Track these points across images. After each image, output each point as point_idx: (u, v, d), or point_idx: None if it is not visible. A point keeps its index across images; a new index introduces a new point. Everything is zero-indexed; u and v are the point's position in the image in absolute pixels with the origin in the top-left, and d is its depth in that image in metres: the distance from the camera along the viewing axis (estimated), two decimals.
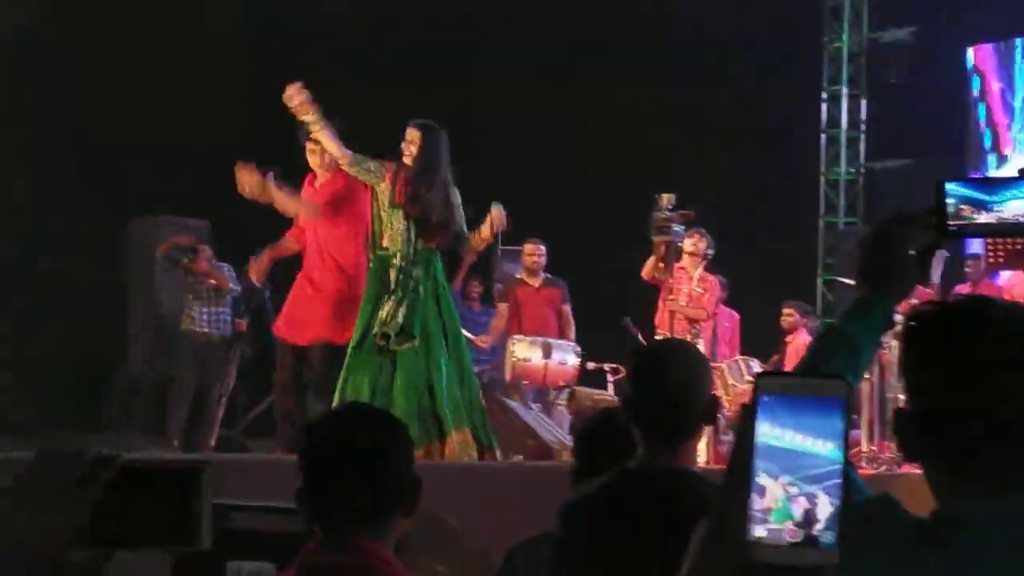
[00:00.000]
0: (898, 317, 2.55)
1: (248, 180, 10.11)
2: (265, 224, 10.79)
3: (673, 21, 17.34)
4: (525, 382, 12.97)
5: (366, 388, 9.74)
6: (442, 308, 10.06)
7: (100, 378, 14.48)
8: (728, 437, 14.11)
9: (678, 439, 3.82)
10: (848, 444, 1.79)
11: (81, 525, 1.62)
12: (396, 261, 9.94)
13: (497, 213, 10.12)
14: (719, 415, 3.88)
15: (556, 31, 17.47)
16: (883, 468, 11.34)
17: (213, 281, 13.34)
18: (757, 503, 1.79)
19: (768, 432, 1.80)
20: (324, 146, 9.96)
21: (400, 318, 9.85)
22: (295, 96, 9.71)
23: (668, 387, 3.81)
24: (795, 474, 1.78)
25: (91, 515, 1.62)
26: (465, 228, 10.23)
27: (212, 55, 15.88)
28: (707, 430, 12.51)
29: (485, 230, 10.20)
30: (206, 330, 13.37)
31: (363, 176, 10.00)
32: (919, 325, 2.25)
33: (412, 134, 10.01)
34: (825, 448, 1.78)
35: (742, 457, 1.81)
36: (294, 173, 10.53)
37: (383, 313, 9.89)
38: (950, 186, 2.50)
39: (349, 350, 9.90)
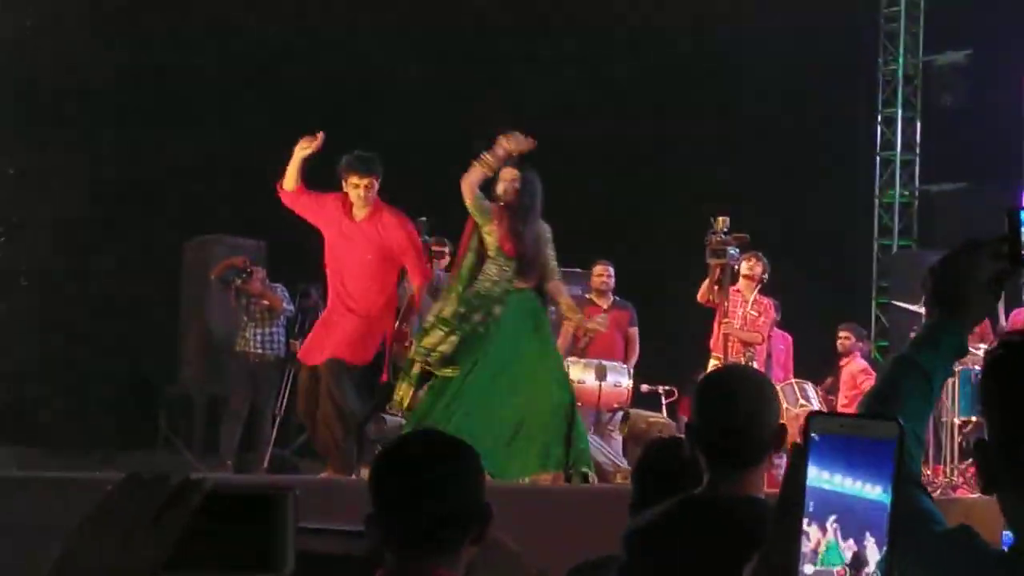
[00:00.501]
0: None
1: (307, 147, 10.10)
2: (320, 245, 10.79)
3: (729, 44, 17.29)
4: (579, 404, 12.92)
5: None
6: (517, 344, 10.07)
7: (152, 398, 14.52)
8: (780, 461, 14.11)
9: (744, 466, 3.78)
10: (900, 487, 1.76)
11: (166, 552, 1.61)
12: (479, 296, 9.99)
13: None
14: (782, 440, 3.83)
15: (612, 52, 17.46)
16: (937, 492, 11.26)
17: (266, 302, 13.37)
18: (806, 543, 1.78)
19: (818, 474, 1.79)
20: (469, 179, 9.95)
21: (443, 345, 9.89)
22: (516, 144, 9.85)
23: (735, 414, 3.77)
24: (844, 516, 1.77)
25: (176, 541, 1.61)
26: (554, 264, 10.29)
27: (268, 74, 15.93)
28: None
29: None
30: (259, 351, 13.40)
31: (478, 214, 10.05)
32: (1005, 355, 2.22)
33: (512, 174, 10.05)
34: (874, 492, 1.76)
35: (793, 496, 1.80)
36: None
37: (431, 340, 9.94)
38: (1023, 214, 2.48)
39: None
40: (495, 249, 10.05)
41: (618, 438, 12.78)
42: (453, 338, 9.97)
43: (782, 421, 3.93)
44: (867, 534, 1.76)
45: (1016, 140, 18.71)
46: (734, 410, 3.78)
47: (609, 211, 16.95)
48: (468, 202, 10.04)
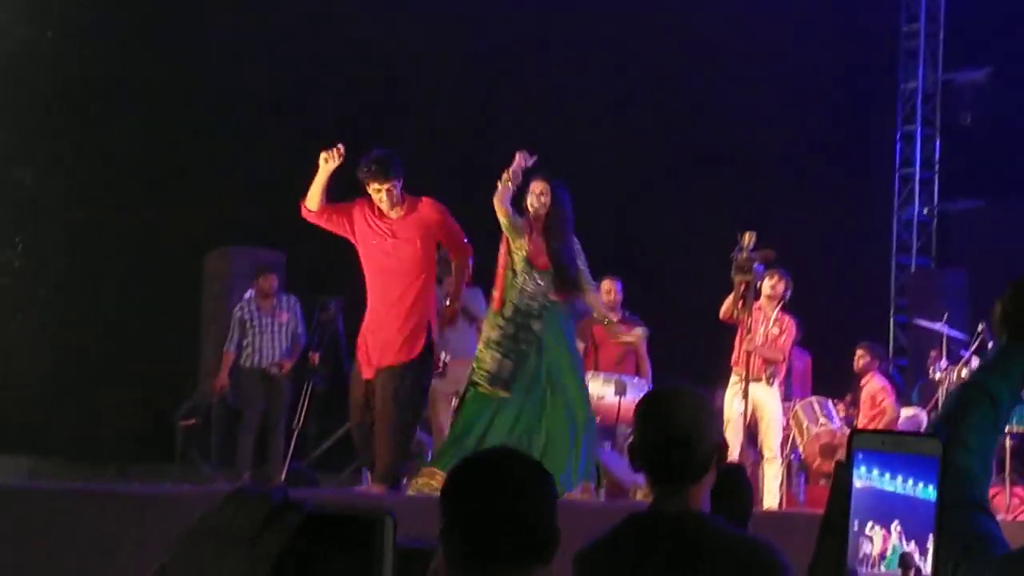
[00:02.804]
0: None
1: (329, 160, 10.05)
2: (338, 254, 10.75)
3: (749, 60, 17.29)
4: (598, 419, 12.89)
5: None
6: (558, 358, 10.03)
7: (171, 410, 14.50)
8: (800, 480, 14.06)
9: (684, 482, 3.82)
10: (943, 498, 1.78)
11: (263, 572, 1.58)
12: (519, 313, 9.95)
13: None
14: (723, 456, 3.87)
15: (633, 69, 17.46)
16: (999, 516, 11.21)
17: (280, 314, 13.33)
18: (870, 547, 1.80)
19: (879, 476, 1.81)
20: (499, 197, 9.87)
21: (497, 368, 9.86)
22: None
23: (671, 431, 3.82)
24: (907, 519, 1.79)
25: (274, 562, 1.59)
26: (587, 275, 10.26)
27: (285, 85, 15.93)
28: (779, 472, 12.52)
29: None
30: (273, 363, 13.36)
31: (512, 231, 10.01)
32: None
33: (541, 187, 9.99)
34: (924, 494, 1.79)
35: (839, 510, 1.82)
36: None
37: (487, 362, 9.90)
38: None
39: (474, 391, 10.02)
40: (525, 264, 10.00)
41: None
42: (508, 361, 9.92)
43: (720, 436, 3.99)
44: (921, 538, 1.78)
45: None
46: (670, 427, 3.83)
47: (629, 226, 16.93)
48: (502, 220, 9.97)
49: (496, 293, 10.26)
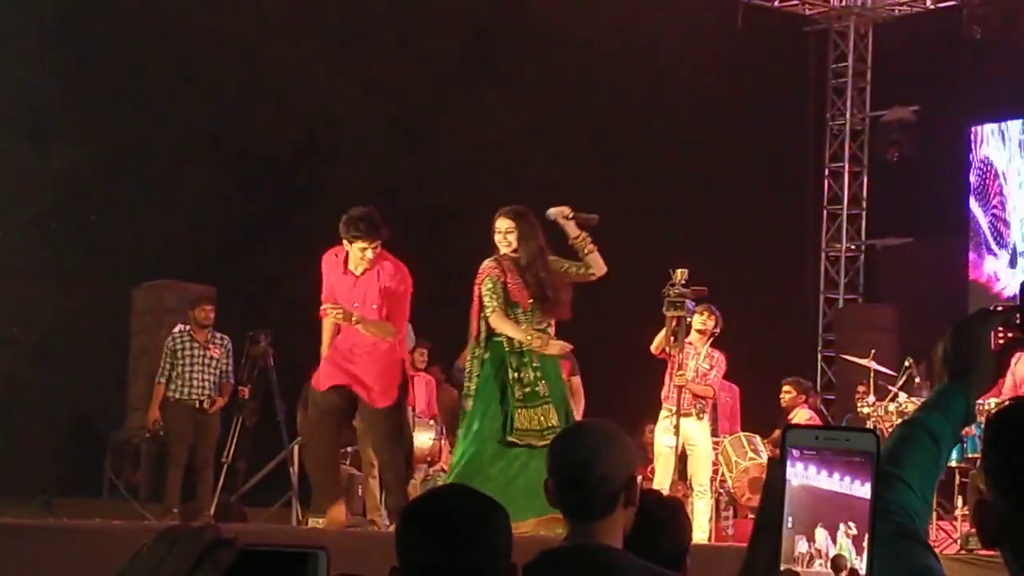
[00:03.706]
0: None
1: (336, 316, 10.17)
2: (267, 291, 10.74)
3: (680, 97, 17.39)
4: None
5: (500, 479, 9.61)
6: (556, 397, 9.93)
7: (99, 445, 14.40)
8: (729, 514, 14.12)
9: (593, 518, 3.82)
10: (877, 493, 1.80)
11: None
12: (516, 355, 9.84)
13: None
14: (633, 491, 3.87)
15: (562, 104, 17.52)
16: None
17: (211, 349, 13.26)
18: (806, 546, 1.79)
19: (803, 478, 1.81)
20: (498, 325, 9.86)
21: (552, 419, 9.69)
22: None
23: (575, 465, 3.83)
24: (834, 518, 1.79)
25: None
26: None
27: (213, 118, 15.88)
28: (708, 507, 12.56)
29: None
30: (203, 398, 13.27)
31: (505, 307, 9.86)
32: (1002, 421, 2.24)
33: (505, 224, 9.85)
34: (861, 491, 1.79)
35: (772, 507, 1.82)
36: (296, 236, 10.48)
37: (542, 420, 9.68)
38: None
39: (476, 441, 9.75)
40: (505, 305, 9.79)
41: None
42: (547, 406, 9.77)
43: (633, 471, 3.97)
44: (854, 532, 1.79)
45: (962, 196, 18.89)
46: (572, 464, 3.84)
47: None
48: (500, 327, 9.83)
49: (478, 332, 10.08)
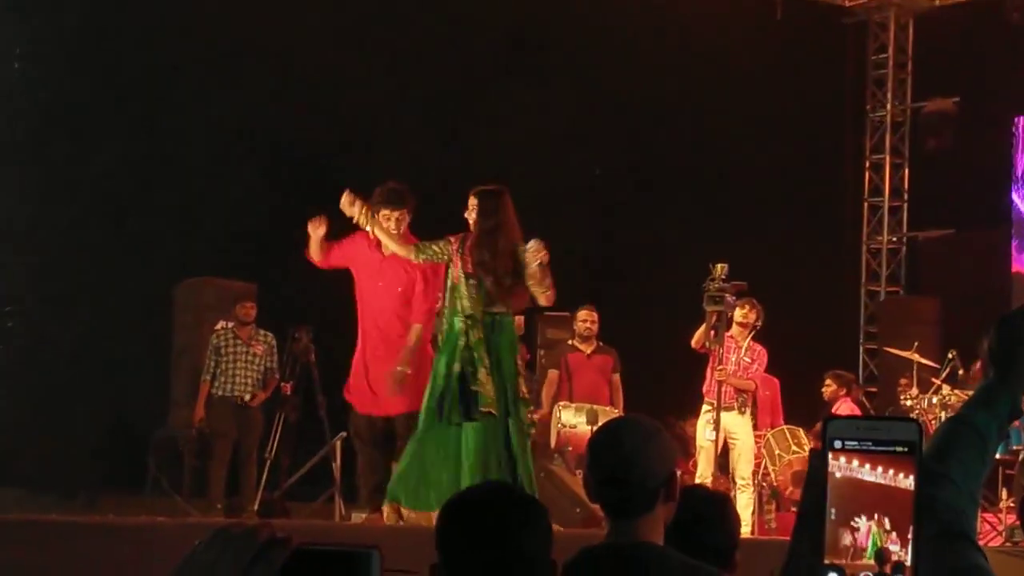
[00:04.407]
0: None
1: (319, 227, 10.18)
2: (307, 286, 10.76)
3: (721, 90, 17.34)
4: (570, 448, 12.89)
5: (437, 455, 9.67)
6: (505, 373, 9.91)
7: (142, 442, 14.44)
8: (772, 507, 14.08)
9: (634, 515, 3.81)
10: (920, 484, 1.79)
11: None
12: (468, 328, 9.83)
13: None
14: (674, 487, 3.85)
15: (602, 98, 17.48)
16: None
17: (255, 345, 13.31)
18: (849, 538, 1.79)
19: (845, 470, 1.80)
20: (387, 246, 10.04)
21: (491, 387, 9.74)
22: (347, 209, 9.89)
23: (614, 464, 3.82)
24: (877, 509, 1.79)
25: None
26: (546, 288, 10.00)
27: (250, 116, 15.90)
28: (751, 500, 12.54)
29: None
30: (246, 393, 13.33)
31: (433, 260, 9.98)
32: None
33: (471, 200, 9.93)
34: (904, 483, 1.79)
35: (813, 499, 1.82)
36: (333, 234, 10.52)
37: (487, 386, 9.76)
38: None
39: (423, 417, 9.82)
40: (463, 275, 9.86)
41: None
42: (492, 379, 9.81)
43: (676, 469, 3.96)
44: (897, 525, 1.79)
45: (1004, 187, 18.78)
46: (612, 461, 3.83)
47: (601, 257, 16.95)
48: (411, 258, 10.02)
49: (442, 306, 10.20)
